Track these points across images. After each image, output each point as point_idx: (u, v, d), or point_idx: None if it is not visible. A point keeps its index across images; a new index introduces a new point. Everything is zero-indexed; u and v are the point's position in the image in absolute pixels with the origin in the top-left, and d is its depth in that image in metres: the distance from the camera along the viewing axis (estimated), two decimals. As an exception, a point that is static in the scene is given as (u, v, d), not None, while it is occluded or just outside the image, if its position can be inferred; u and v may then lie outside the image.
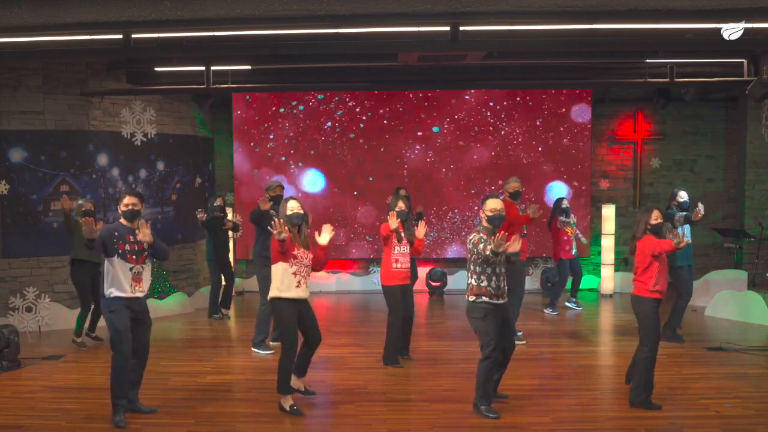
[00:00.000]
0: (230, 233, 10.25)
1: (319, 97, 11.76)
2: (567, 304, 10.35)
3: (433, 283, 11.60)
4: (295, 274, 5.82)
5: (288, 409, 5.86)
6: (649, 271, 5.83)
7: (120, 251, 5.63)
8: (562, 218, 9.92)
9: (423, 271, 11.32)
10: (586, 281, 11.63)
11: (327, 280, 11.94)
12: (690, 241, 7.82)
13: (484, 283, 5.68)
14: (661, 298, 5.87)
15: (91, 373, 7.16)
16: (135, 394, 5.89)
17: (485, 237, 5.65)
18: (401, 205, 7.20)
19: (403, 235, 7.21)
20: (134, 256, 5.69)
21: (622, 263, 11.79)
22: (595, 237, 11.92)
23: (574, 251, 10.01)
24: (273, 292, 5.88)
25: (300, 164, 11.89)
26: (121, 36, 6.44)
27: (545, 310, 10.10)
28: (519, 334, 8.23)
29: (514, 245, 5.61)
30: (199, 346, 8.38)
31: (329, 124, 11.84)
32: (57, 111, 9.31)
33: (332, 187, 11.93)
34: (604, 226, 11.63)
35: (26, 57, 8.32)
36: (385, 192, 11.36)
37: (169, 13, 5.92)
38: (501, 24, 6.44)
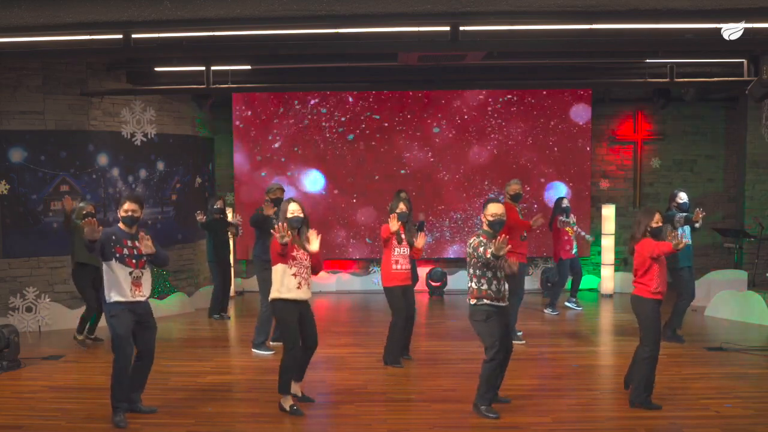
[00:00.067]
0: (230, 234, 10.25)
1: (318, 99, 11.76)
2: (567, 304, 10.35)
3: (433, 283, 11.60)
4: (295, 275, 5.83)
5: (288, 409, 5.86)
6: (650, 273, 5.82)
7: (118, 255, 5.62)
8: (562, 218, 9.92)
9: (423, 271, 11.32)
10: (586, 281, 11.63)
11: (327, 280, 11.94)
12: (690, 242, 7.84)
13: (485, 287, 5.68)
14: (662, 299, 5.87)
15: (91, 373, 7.16)
16: (138, 396, 5.89)
17: (485, 241, 5.66)
18: (402, 206, 7.20)
19: (403, 236, 7.21)
20: (133, 260, 5.67)
21: (622, 263, 11.79)
22: (595, 237, 11.91)
23: (574, 250, 10.01)
24: (274, 294, 5.89)
25: (300, 164, 11.88)
26: (121, 36, 6.44)
27: (545, 310, 10.10)
28: (519, 334, 8.24)
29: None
30: (199, 346, 8.38)
31: (329, 124, 11.84)
32: (57, 111, 9.31)
33: (332, 187, 11.92)
34: (604, 226, 11.63)
35: (26, 57, 8.32)
36: (384, 192, 11.38)
37: (169, 13, 5.92)
38: (501, 24, 6.44)
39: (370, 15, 5.93)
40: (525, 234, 8.00)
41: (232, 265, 10.71)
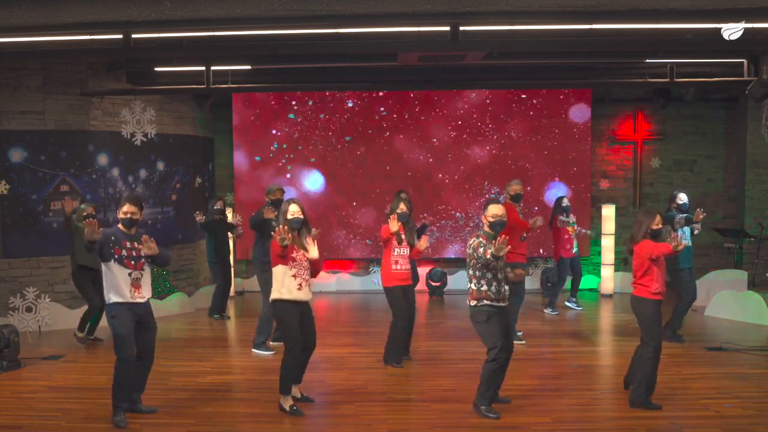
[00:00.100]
0: (230, 234, 10.24)
1: (318, 99, 11.76)
2: (567, 303, 10.36)
3: (433, 283, 11.60)
4: (295, 276, 5.83)
5: (288, 409, 5.86)
6: (649, 274, 5.82)
7: (116, 256, 5.61)
8: (562, 217, 9.92)
9: (423, 272, 11.32)
10: (586, 281, 11.63)
11: (327, 280, 11.94)
12: (689, 244, 7.84)
13: (485, 288, 5.68)
14: (662, 299, 5.88)
15: (91, 373, 7.16)
16: (138, 396, 5.89)
17: (485, 242, 5.66)
18: (402, 207, 7.20)
19: (403, 237, 7.20)
20: (132, 262, 5.67)
21: (622, 263, 11.79)
22: (595, 237, 11.92)
23: (574, 250, 10.01)
24: (274, 294, 5.90)
25: (300, 164, 11.88)
26: (121, 36, 6.44)
27: (545, 310, 10.10)
28: (519, 334, 8.24)
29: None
30: (199, 346, 8.38)
31: (329, 124, 11.84)
32: (57, 111, 9.31)
33: (332, 187, 11.92)
34: (604, 226, 11.63)
35: (26, 57, 8.32)
36: (384, 192, 11.38)
37: (169, 13, 5.92)
38: (501, 24, 6.44)
39: (370, 15, 5.93)
40: (525, 234, 8.01)
41: (232, 265, 10.70)
